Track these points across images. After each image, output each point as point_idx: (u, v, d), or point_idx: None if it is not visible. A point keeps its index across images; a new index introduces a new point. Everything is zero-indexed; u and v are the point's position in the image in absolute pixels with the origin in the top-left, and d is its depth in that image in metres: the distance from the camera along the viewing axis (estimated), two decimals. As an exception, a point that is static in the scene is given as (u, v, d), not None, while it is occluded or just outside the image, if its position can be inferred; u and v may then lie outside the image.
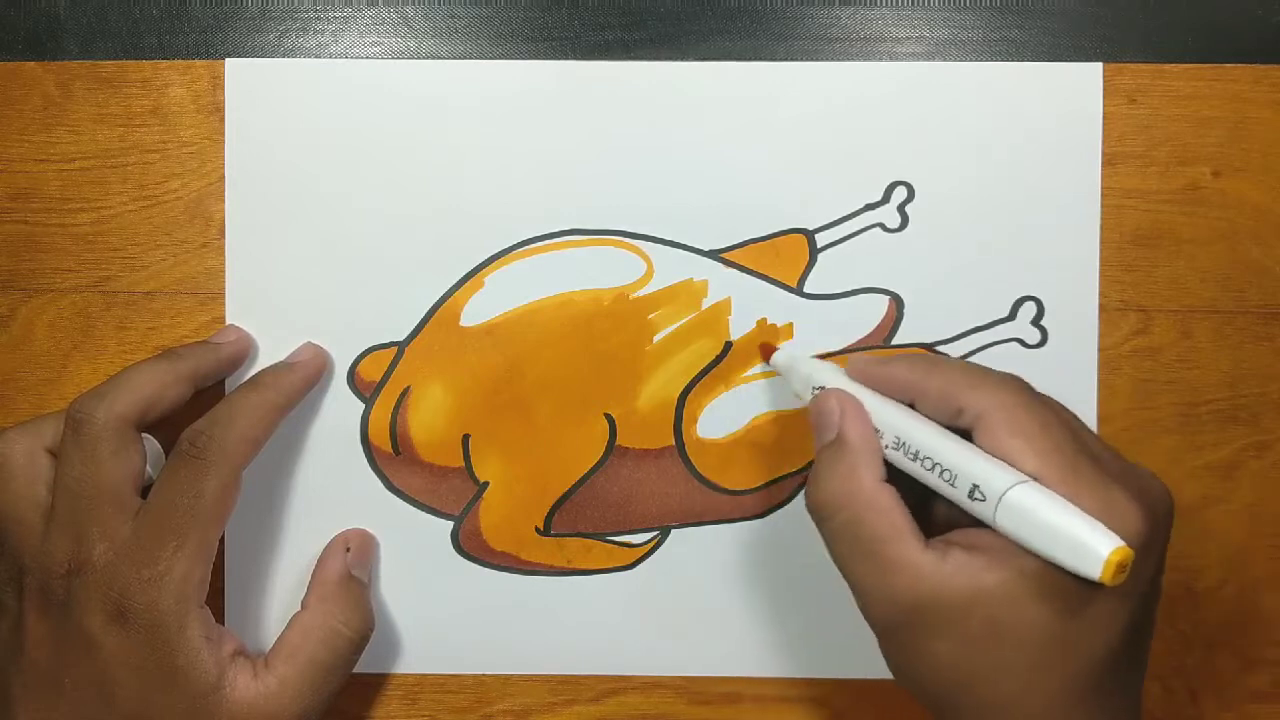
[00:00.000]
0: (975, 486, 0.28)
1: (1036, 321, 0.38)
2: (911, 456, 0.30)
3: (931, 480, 0.29)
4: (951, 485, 0.28)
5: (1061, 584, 0.27)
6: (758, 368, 0.38)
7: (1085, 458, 0.28)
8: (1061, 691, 0.28)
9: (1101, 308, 0.38)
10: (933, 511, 0.31)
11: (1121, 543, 0.26)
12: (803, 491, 0.38)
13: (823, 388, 0.33)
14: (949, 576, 0.27)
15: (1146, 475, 0.30)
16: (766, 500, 0.38)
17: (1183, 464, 0.38)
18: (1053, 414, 0.29)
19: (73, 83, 0.38)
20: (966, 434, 0.29)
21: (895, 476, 0.30)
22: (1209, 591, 0.38)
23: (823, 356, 0.37)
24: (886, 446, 0.30)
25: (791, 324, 0.38)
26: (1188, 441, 0.38)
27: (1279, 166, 0.38)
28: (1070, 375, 0.38)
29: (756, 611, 0.38)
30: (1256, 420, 0.38)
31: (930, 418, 0.30)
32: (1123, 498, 0.27)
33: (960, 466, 0.28)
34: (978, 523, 0.28)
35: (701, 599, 0.38)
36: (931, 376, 0.30)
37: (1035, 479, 0.27)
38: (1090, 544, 0.26)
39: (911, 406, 0.31)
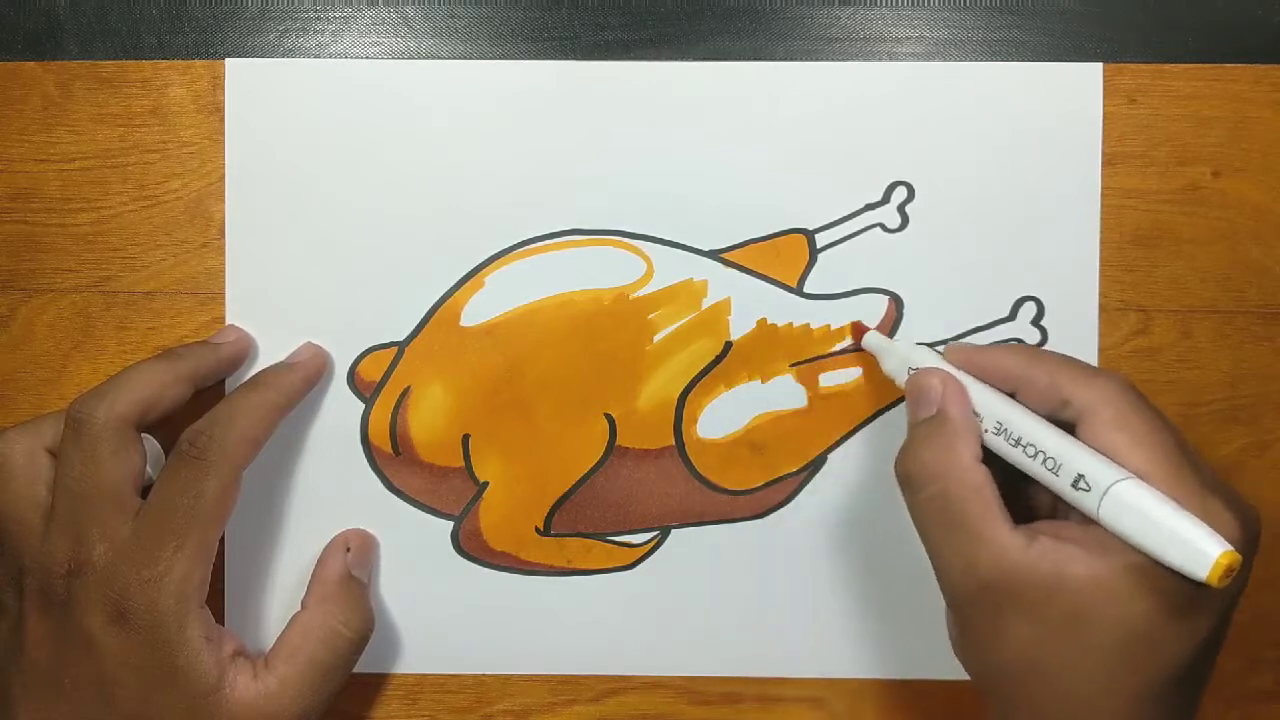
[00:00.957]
0: (1080, 476, 0.28)
1: (1036, 321, 0.38)
2: (1013, 442, 0.30)
3: (1033, 468, 0.29)
4: (1054, 474, 0.28)
5: (1159, 582, 0.27)
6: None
7: (1189, 464, 0.28)
8: (1137, 691, 0.27)
9: (1101, 308, 0.38)
10: (1024, 501, 0.31)
11: (1230, 546, 0.26)
12: (802, 491, 0.38)
13: (920, 369, 0.33)
14: (1036, 559, 0.27)
15: (1239, 495, 0.29)
16: (766, 500, 0.38)
17: (1183, 464, 0.38)
18: (1159, 417, 0.29)
19: (73, 83, 0.38)
20: (1068, 427, 0.29)
21: (989, 463, 0.30)
22: (1209, 591, 0.38)
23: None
24: (986, 431, 0.30)
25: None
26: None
27: (1279, 166, 0.38)
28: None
29: (756, 611, 0.38)
30: (1256, 420, 0.38)
31: (1032, 408, 0.30)
32: (1222, 508, 0.27)
33: (1066, 455, 0.28)
34: (1066, 516, 0.28)
35: (701, 599, 0.38)
36: (1036, 366, 0.30)
37: (1141, 477, 0.27)
38: (1201, 544, 0.26)
39: (1012, 396, 0.31)
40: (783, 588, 0.38)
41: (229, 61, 0.38)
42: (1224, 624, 0.29)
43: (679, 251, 0.38)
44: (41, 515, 0.33)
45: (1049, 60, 0.38)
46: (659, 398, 0.38)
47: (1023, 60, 0.38)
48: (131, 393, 0.33)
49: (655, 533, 0.38)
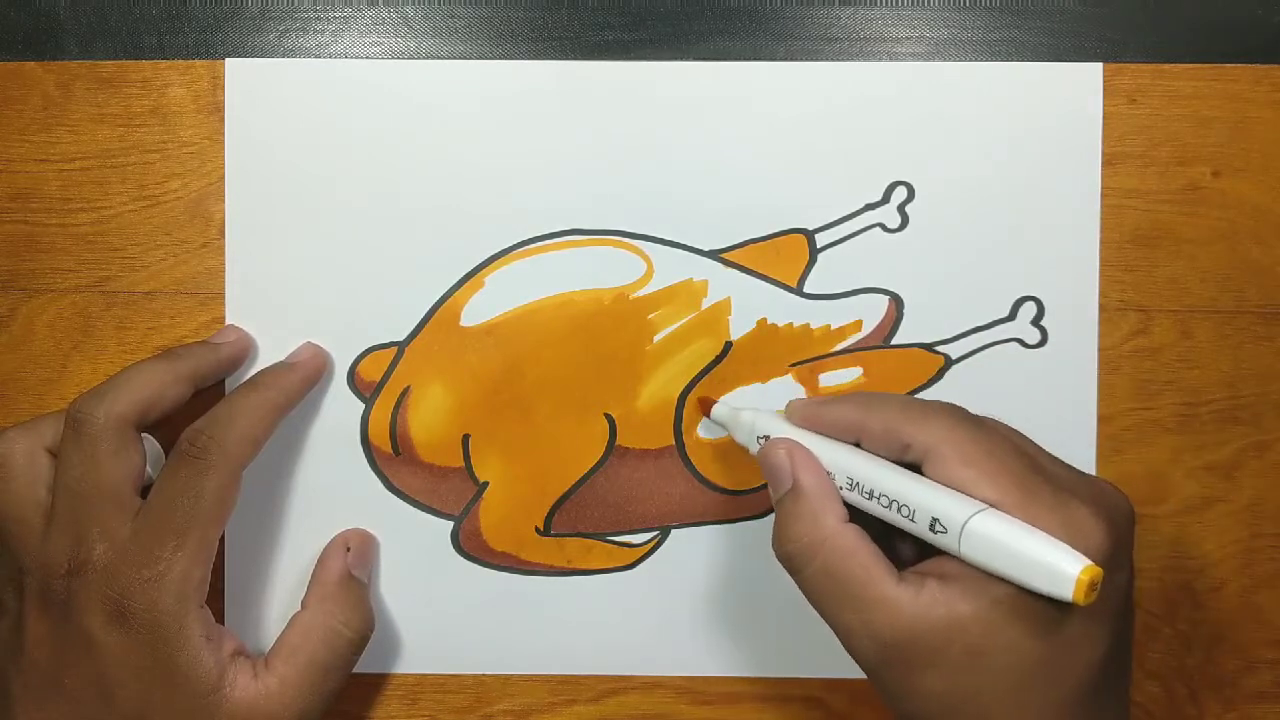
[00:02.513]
0: (935, 520, 0.28)
1: (1036, 321, 0.38)
2: (867, 495, 0.30)
3: (890, 516, 0.29)
4: (911, 520, 0.28)
5: (1035, 607, 0.27)
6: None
7: (1038, 477, 0.28)
8: (1050, 710, 0.28)
9: (1101, 308, 0.38)
10: (901, 542, 0.31)
11: (1089, 561, 0.26)
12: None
13: (767, 436, 0.33)
14: (926, 609, 0.28)
15: (1103, 485, 0.30)
16: (766, 500, 0.38)
17: (1183, 464, 0.38)
18: (999, 437, 0.29)
19: (73, 83, 0.38)
20: (916, 468, 0.29)
21: (857, 513, 0.30)
22: (1209, 591, 0.38)
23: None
24: (841, 488, 0.30)
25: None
26: (1188, 441, 0.38)
27: (1279, 166, 0.38)
28: (1070, 375, 0.38)
29: (756, 611, 0.38)
30: (1256, 420, 0.38)
31: (877, 454, 0.30)
32: (1083, 512, 0.27)
33: (917, 501, 0.28)
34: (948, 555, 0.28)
35: (701, 599, 0.38)
36: (871, 414, 0.30)
37: (992, 505, 0.27)
38: (1059, 566, 0.26)
39: (857, 445, 0.31)
40: (783, 588, 0.38)
41: (229, 61, 0.38)
42: (1124, 623, 0.29)
43: (679, 251, 0.38)
44: (41, 515, 0.33)
45: (1049, 60, 0.38)
46: (659, 398, 0.38)
47: (1023, 60, 0.38)
48: (131, 393, 0.33)
49: (655, 533, 0.38)
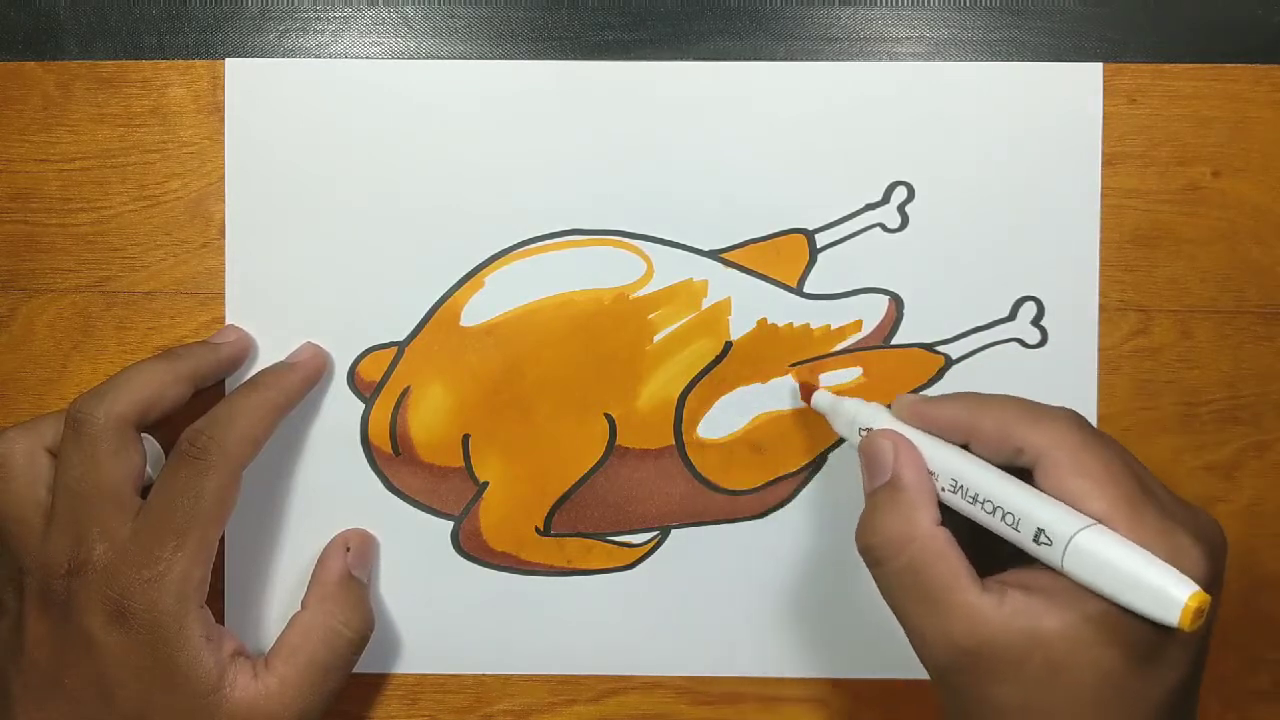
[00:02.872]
0: (1040, 530, 0.27)
1: (1036, 321, 0.38)
2: (970, 500, 0.29)
3: (992, 524, 0.29)
4: (1015, 529, 0.28)
5: (1130, 628, 0.27)
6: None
7: (1149, 499, 0.28)
8: None
9: (1101, 308, 0.38)
10: (984, 548, 0.30)
11: (1198, 588, 0.26)
12: (802, 491, 0.38)
13: (870, 429, 0.32)
14: (1008, 619, 0.27)
15: (1203, 514, 0.29)
16: (766, 500, 0.38)
17: (1183, 464, 0.38)
18: (1114, 453, 0.29)
19: (73, 83, 0.38)
20: (1023, 473, 0.29)
21: (946, 515, 0.30)
22: (1209, 591, 0.38)
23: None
24: (942, 489, 0.30)
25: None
26: (1188, 441, 0.38)
27: (1279, 166, 0.38)
28: (1070, 375, 0.38)
29: (756, 611, 0.38)
30: (1256, 420, 0.38)
31: (985, 458, 0.30)
32: (1187, 541, 0.27)
33: (1024, 510, 0.28)
34: (1033, 560, 0.28)
35: (701, 599, 0.38)
36: (985, 415, 0.30)
37: (1100, 521, 0.27)
38: (1168, 590, 0.25)
39: (964, 447, 0.31)
40: (783, 588, 0.38)
41: (229, 61, 0.38)
42: (1201, 657, 0.29)
43: (679, 251, 0.38)
44: (42, 515, 0.33)
45: (1049, 60, 0.38)
46: (659, 398, 0.38)
47: (1023, 60, 0.38)
48: (131, 393, 0.33)
49: (655, 533, 0.38)
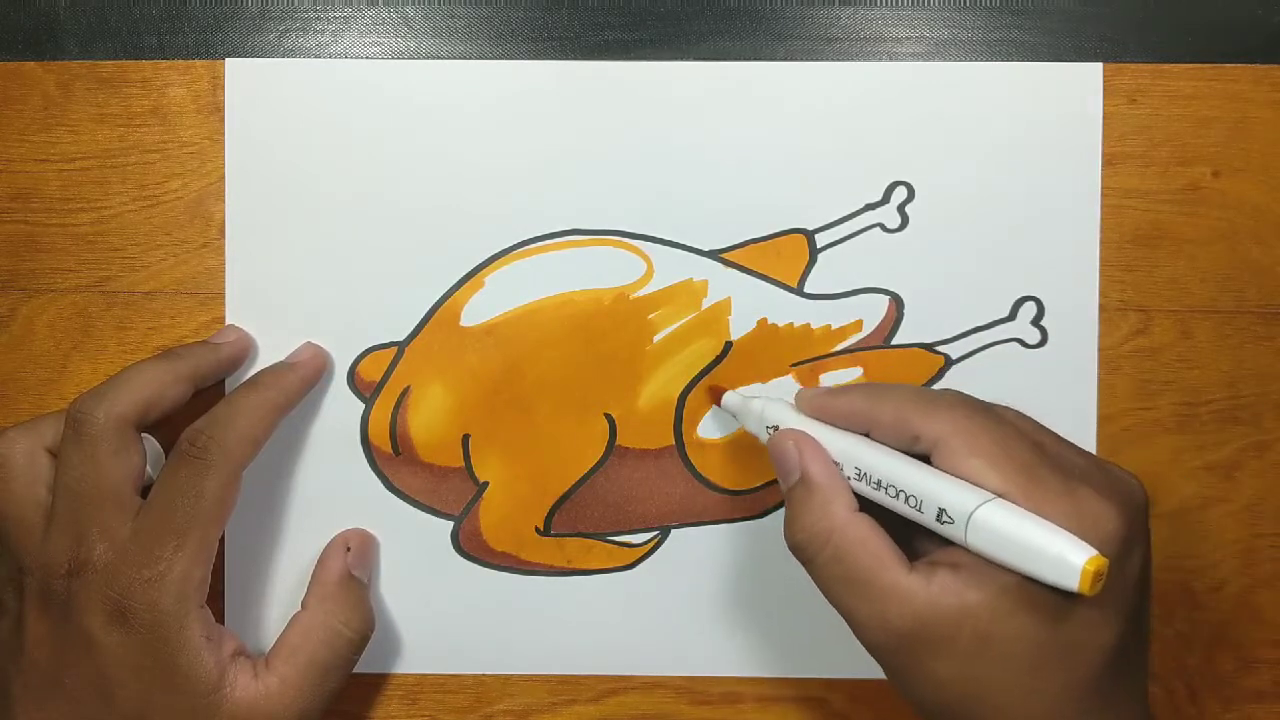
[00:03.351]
0: (942, 510, 0.28)
1: (1036, 321, 0.38)
2: (875, 485, 0.30)
3: (898, 507, 0.29)
4: (918, 510, 0.29)
5: (1043, 595, 0.27)
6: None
7: (1047, 467, 0.28)
8: (1062, 697, 0.28)
9: (1101, 308, 0.38)
10: (916, 534, 0.31)
11: (1094, 551, 0.26)
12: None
13: (777, 427, 0.33)
14: (936, 597, 0.28)
15: (1117, 471, 0.30)
16: (766, 500, 0.38)
17: (1183, 464, 0.38)
18: (1009, 427, 0.29)
19: (73, 83, 0.38)
20: (925, 459, 0.30)
21: (871, 506, 0.30)
22: (1209, 591, 0.38)
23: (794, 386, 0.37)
24: (849, 478, 0.30)
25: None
26: (1188, 441, 0.38)
27: (1279, 166, 0.38)
28: (1070, 375, 0.38)
29: (756, 611, 0.38)
30: (1256, 420, 0.38)
31: (886, 445, 0.30)
32: (1093, 498, 0.27)
33: (924, 491, 0.28)
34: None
35: (701, 599, 0.38)
36: (882, 405, 0.31)
37: (1001, 496, 0.27)
38: (1063, 557, 0.26)
39: (866, 436, 0.31)
40: (783, 588, 0.38)
41: (229, 61, 0.38)
42: (1138, 608, 0.29)
43: (679, 251, 0.38)
44: (42, 515, 0.33)
45: (1049, 60, 0.38)
46: (659, 398, 0.38)
47: (1023, 60, 0.38)
48: (131, 393, 0.33)
49: (655, 533, 0.38)
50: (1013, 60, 0.38)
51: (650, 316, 0.38)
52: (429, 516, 0.38)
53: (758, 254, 0.38)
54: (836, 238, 0.38)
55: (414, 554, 0.38)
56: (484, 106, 0.38)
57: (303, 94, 0.38)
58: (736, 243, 0.38)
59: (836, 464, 0.31)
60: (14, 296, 0.38)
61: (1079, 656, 0.28)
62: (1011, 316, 0.38)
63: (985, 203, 0.38)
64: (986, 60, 0.38)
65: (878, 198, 0.38)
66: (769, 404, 0.34)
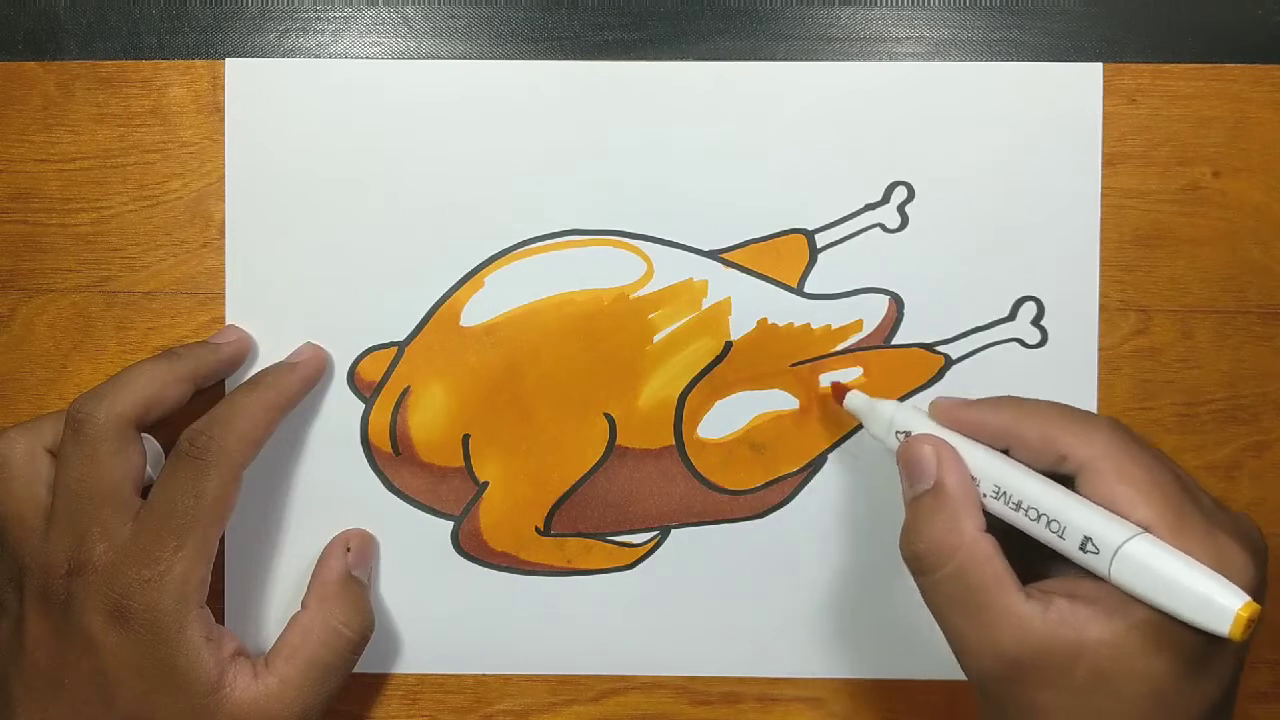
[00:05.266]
0: (1088, 539, 0.27)
1: (1036, 321, 0.38)
2: (1014, 507, 0.29)
3: (1036, 531, 0.28)
4: (1060, 537, 0.28)
5: (1179, 638, 0.26)
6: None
7: (1192, 505, 0.28)
8: None
9: (1101, 308, 0.38)
10: (1022, 557, 0.30)
11: (1248, 598, 0.25)
12: (802, 491, 0.38)
13: (908, 433, 0.32)
14: (1054, 628, 0.27)
15: (1244, 520, 0.29)
16: (766, 500, 0.38)
17: (1183, 464, 0.38)
18: (1158, 460, 0.29)
19: (73, 83, 0.38)
20: (1065, 480, 0.29)
21: (992, 524, 0.29)
22: (1209, 591, 0.38)
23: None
24: (985, 495, 0.30)
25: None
26: (1188, 441, 0.38)
27: (1279, 166, 0.38)
28: (1070, 375, 0.38)
29: (756, 611, 0.38)
30: (1256, 420, 0.38)
31: (1026, 463, 0.30)
32: (1232, 547, 0.27)
33: (1070, 518, 0.28)
34: (1073, 567, 0.28)
35: (701, 599, 0.38)
36: (1027, 421, 0.30)
37: (1145, 529, 0.27)
38: (1219, 600, 0.25)
39: (1005, 452, 0.30)
40: (783, 588, 0.38)
41: (229, 61, 0.38)
42: (1241, 666, 0.29)
43: (679, 251, 0.38)
44: (42, 515, 0.33)
45: (1049, 60, 0.38)
46: (659, 398, 0.38)
47: (1023, 60, 0.38)
48: (131, 393, 0.33)
49: (655, 533, 0.38)
50: (1013, 60, 0.38)
51: (650, 316, 0.38)
52: (429, 516, 0.38)
53: (758, 254, 0.38)
54: (836, 238, 0.38)
55: (414, 554, 0.38)
56: (484, 106, 0.38)
57: (303, 94, 0.38)
58: (736, 243, 0.38)
59: (973, 479, 0.30)
60: (14, 296, 0.38)
61: (1193, 703, 0.27)
62: (1011, 316, 0.38)
63: (985, 203, 0.38)
64: (986, 60, 0.38)
65: (878, 198, 0.38)
66: (900, 409, 0.33)
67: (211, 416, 0.33)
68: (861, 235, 0.38)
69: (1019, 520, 0.29)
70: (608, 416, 0.38)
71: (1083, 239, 0.38)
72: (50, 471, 0.33)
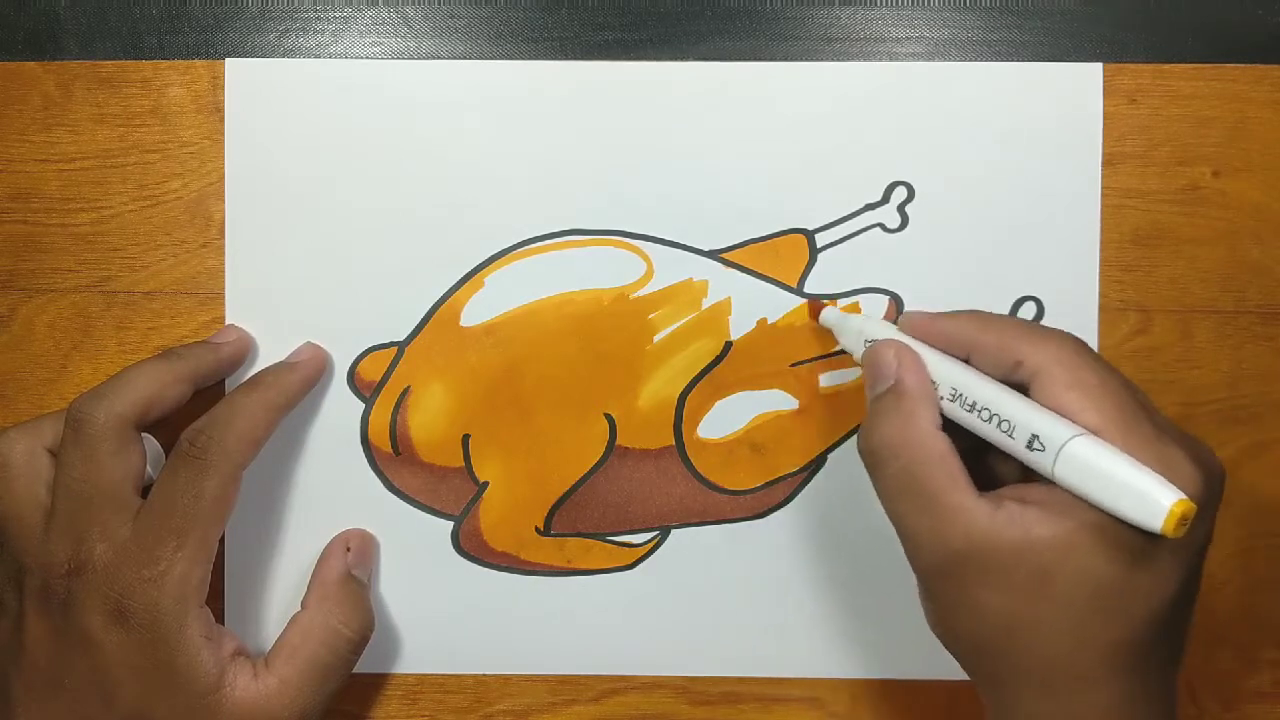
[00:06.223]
0: (1035, 437, 0.28)
1: (1036, 321, 0.38)
2: (968, 408, 0.30)
3: (988, 431, 0.29)
4: (1009, 436, 0.29)
5: (1118, 536, 0.27)
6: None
7: (1143, 416, 0.28)
8: (1111, 644, 0.28)
9: (1101, 308, 0.38)
10: (983, 469, 0.31)
11: (1183, 495, 0.26)
12: (802, 491, 0.38)
13: (875, 340, 0.33)
14: (1001, 526, 0.28)
15: (1201, 444, 0.29)
16: (766, 500, 0.38)
17: (1183, 464, 0.38)
18: (1112, 372, 0.29)
19: (73, 83, 0.38)
20: (1022, 389, 0.30)
21: (949, 431, 0.30)
22: (1209, 591, 0.38)
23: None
24: (942, 398, 0.30)
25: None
26: (1188, 441, 0.38)
27: (1279, 166, 0.38)
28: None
29: (756, 611, 0.38)
30: (1256, 420, 0.38)
31: (986, 371, 0.30)
32: (1180, 458, 0.27)
33: (1019, 417, 0.28)
34: (1029, 481, 0.28)
35: (701, 599, 0.38)
36: (988, 331, 0.31)
37: (1094, 433, 0.27)
38: (1153, 495, 0.26)
39: (966, 361, 0.31)
40: (783, 588, 0.38)
41: (229, 61, 0.38)
42: (1193, 575, 0.29)
43: (679, 251, 0.38)
44: (42, 515, 0.33)
45: (1049, 60, 0.38)
46: (659, 398, 0.38)
47: (1023, 60, 0.38)
48: (131, 393, 0.33)
49: (655, 533, 0.38)
50: (1013, 60, 0.38)
51: (650, 316, 0.38)
52: (429, 516, 0.38)
53: (757, 254, 0.38)
54: (836, 238, 0.38)
55: (414, 554, 0.38)
56: (484, 106, 0.38)
57: (303, 94, 0.38)
58: (736, 243, 0.38)
59: (932, 382, 0.31)
60: (14, 296, 0.38)
61: (1134, 607, 0.27)
62: (1012, 316, 0.38)
63: (985, 203, 0.38)
64: (986, 60, 0.38)
65: (878, 198, 0.38)
66: (869, 321, 0.34)
67: (211, 416, 0.33)
68: (861, 235, 0.38)
69: (973, 422, 0.30)
70: (608, 416, 0.38)
71: (1082, 239, 0.38)
72: (50, 471, 0.33)
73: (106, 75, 0.38)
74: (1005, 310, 0.38)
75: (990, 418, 0.29)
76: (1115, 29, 0.38)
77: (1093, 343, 0.38)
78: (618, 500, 0.38)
